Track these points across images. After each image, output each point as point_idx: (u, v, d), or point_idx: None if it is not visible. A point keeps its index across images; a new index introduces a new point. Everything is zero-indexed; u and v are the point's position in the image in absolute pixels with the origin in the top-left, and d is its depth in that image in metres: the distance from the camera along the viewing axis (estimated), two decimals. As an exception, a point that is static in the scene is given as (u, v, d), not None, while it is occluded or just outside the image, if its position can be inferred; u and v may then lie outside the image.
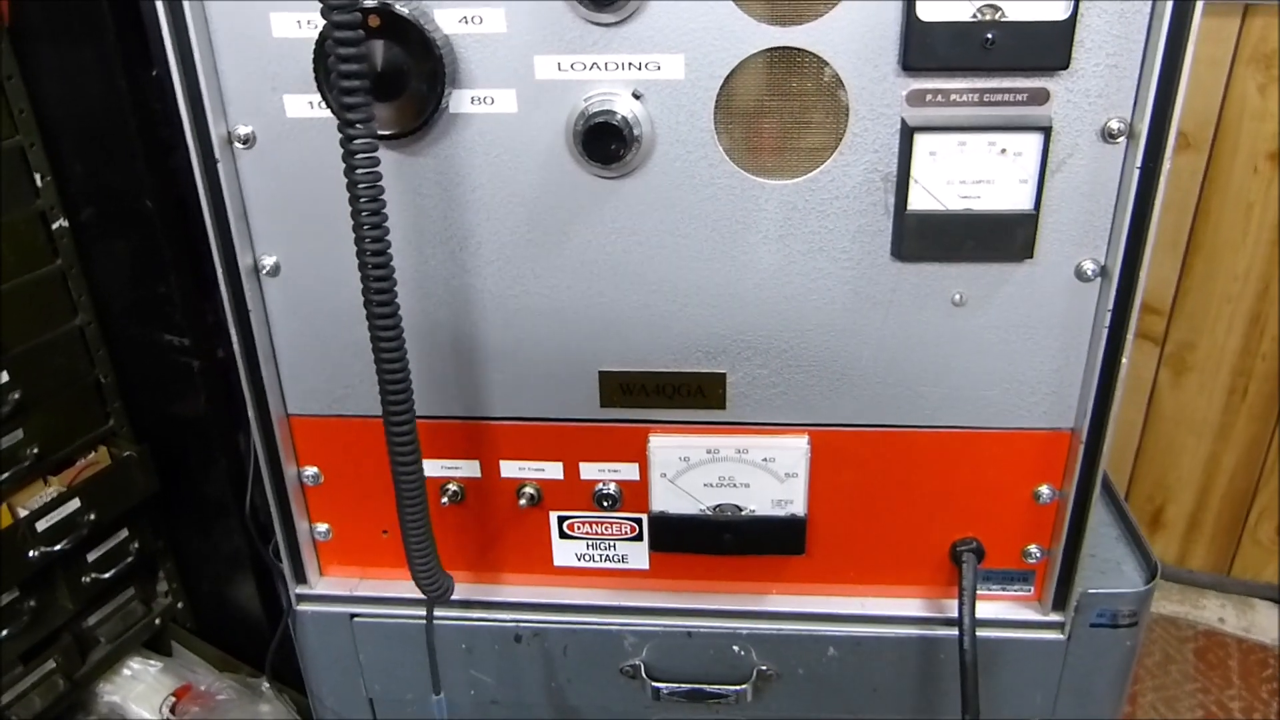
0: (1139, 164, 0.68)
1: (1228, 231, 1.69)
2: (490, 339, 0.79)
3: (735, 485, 0.82)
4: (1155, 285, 1.75)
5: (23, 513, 1.46)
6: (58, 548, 1.48)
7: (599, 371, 0.80)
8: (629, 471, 0.83)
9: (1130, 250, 0.71)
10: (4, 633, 1.46)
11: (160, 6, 0.68)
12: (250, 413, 0.81)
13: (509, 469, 0.84)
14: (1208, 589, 2.00)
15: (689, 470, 0.82)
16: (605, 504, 0.84)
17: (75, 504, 1.51)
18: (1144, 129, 0.67)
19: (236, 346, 0.79)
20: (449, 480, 0.85)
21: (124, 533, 1.64)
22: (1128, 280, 0.72)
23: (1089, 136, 0.69)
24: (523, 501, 0.85)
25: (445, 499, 0.85)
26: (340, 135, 0.63)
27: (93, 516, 1.53)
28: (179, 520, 1.70)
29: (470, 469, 0.85)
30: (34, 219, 1.46)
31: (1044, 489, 0.81)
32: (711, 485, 0.82)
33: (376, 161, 0.64)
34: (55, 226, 1.48)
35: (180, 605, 1.76)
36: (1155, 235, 0.70)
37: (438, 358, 0.80)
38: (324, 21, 0.60)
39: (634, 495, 0.84)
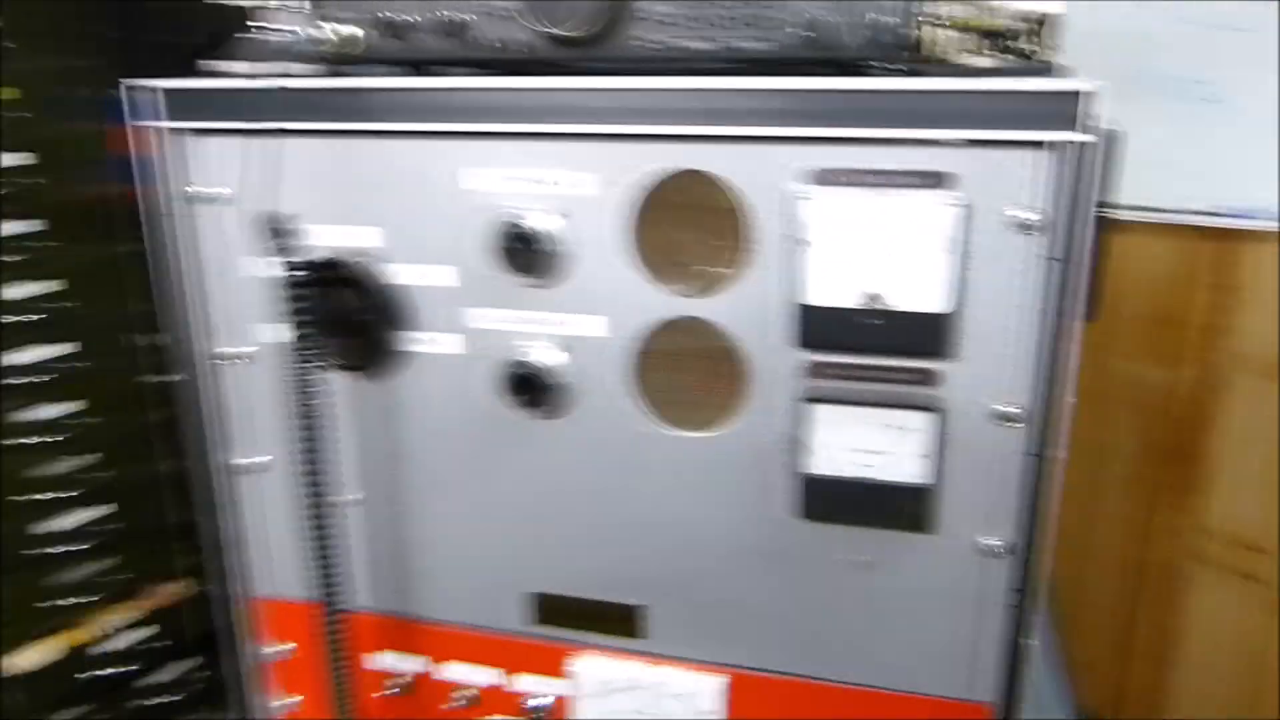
0: (1033, 451, 0.69)
1: (1323, 463, 1.59)
2: (433, 548, 0.86)
3: (657, 717, 0.84)
4: (1256, 521, 1.65)
5: (105, 632, 1.60)
6: (128, 669, 1.61)
7: (529, 593, 0.85)
8: (560, 686, 0.87)
9: (1030, 533, 0.71)
10: (77, 746, 1.57)
11: (160, 258, 0.81)
12: (222, 592, 0.90)
13: (451, 671, 0.89)
14: None
15: (612, 694, 0.84)
16: (537, 715, 0.88)
17: (155, 629, 1.64)
18: (1035, 417, 0.69)
19: (206, 540, 0.89)
20: (397, 675, 0.91)
21: (198, 659, 1.76)
22: (1029, 560, 0.72)
23: (982, 419, 0.71)
24: (461, 703, 0.89)
25: (392, 689, 0.91)
26: (294, 365, 0.73)
27: (163, 643, 1.66)
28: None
29: (416, 664, 0.90)
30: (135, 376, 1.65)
31: (964, 760, 0.79)
32: (635, 714, 0.84)
33: (318, 394, 0.73)
34: (153, 382, 1.66)
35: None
36: (1056, 518, 0.70)
37: (387, 556, 0.87)
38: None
39: (565, 710, 0.87)
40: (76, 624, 1.62)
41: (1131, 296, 1.64)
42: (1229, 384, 1.60)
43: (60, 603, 1.57)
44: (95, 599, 1.60)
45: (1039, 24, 0.79)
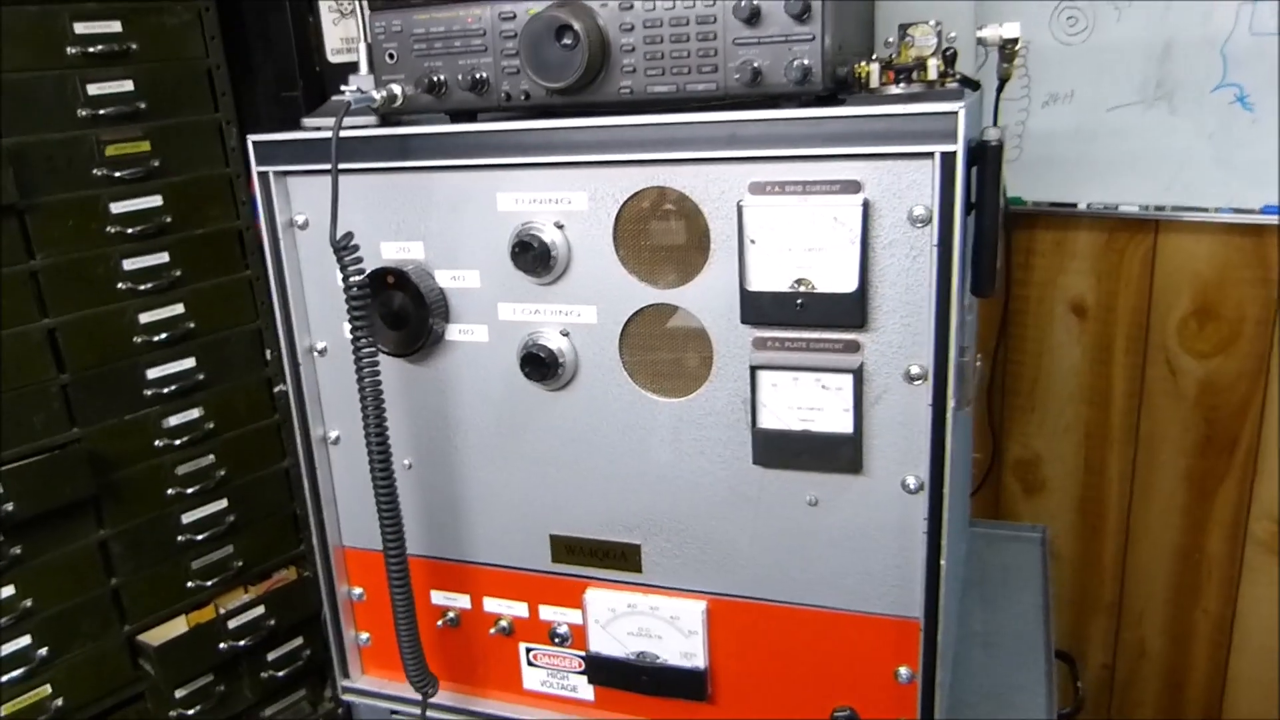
0: (929, 402, 0.86)
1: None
2: (475, 500, 1.06)
3: (651, 636, 1.02)
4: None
5: (222, 611, 1.86)
6: (243, 643, 1.86)
7: (549, 534, 1.04)
8: (575, 616, 1.06)
9: (935, 471, 0.87)
10: (196, 709, 1.83)
11: (269, 270, 1.04)
12: (314, 541, 1.12)
13: (490, 604, 1.09)
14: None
15: (616, 620, 1.03)
16: (557, 641, 1.07)
17: (261, 610, 1.89)
18: (930, 376, 0.85)
19: (308, 496, 1.11)
20: (449, 609, 1.11)
21: (299, 640, 2.01)
22: (936, 495, 0.88)
23: (896, 379, 0.88)
24: (499, 632, 1.09)
25: (443, 623, 1.11)
26: (353, 353, 0.95)
27: (273, 622, 1.91)
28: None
29: (463, 601, 1.10)
30: (262, 383, 1.91)
31: (903, 670, 0.95)
32: (633, 634, 1.02)
33: (378, 371, 0.95)
34: (276, 390, 1.93)
35: (340, 711, 2.08)
36: (952, 457, 0.86)
37: (439, 511, 1.08)
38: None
39: (580, 636, 1.06)
40: (198, 605, 1.88)
41: (1180, 292, 1.76)
42: (1276, 373, 1.71)
43: (189, 585, 1.83)
44: (212, 583, 1.86)
45: (951, 56, 0.96)
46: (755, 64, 0.86)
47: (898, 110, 0.82)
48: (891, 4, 1.18)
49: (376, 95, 0.96)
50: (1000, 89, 1.27)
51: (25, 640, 1.61)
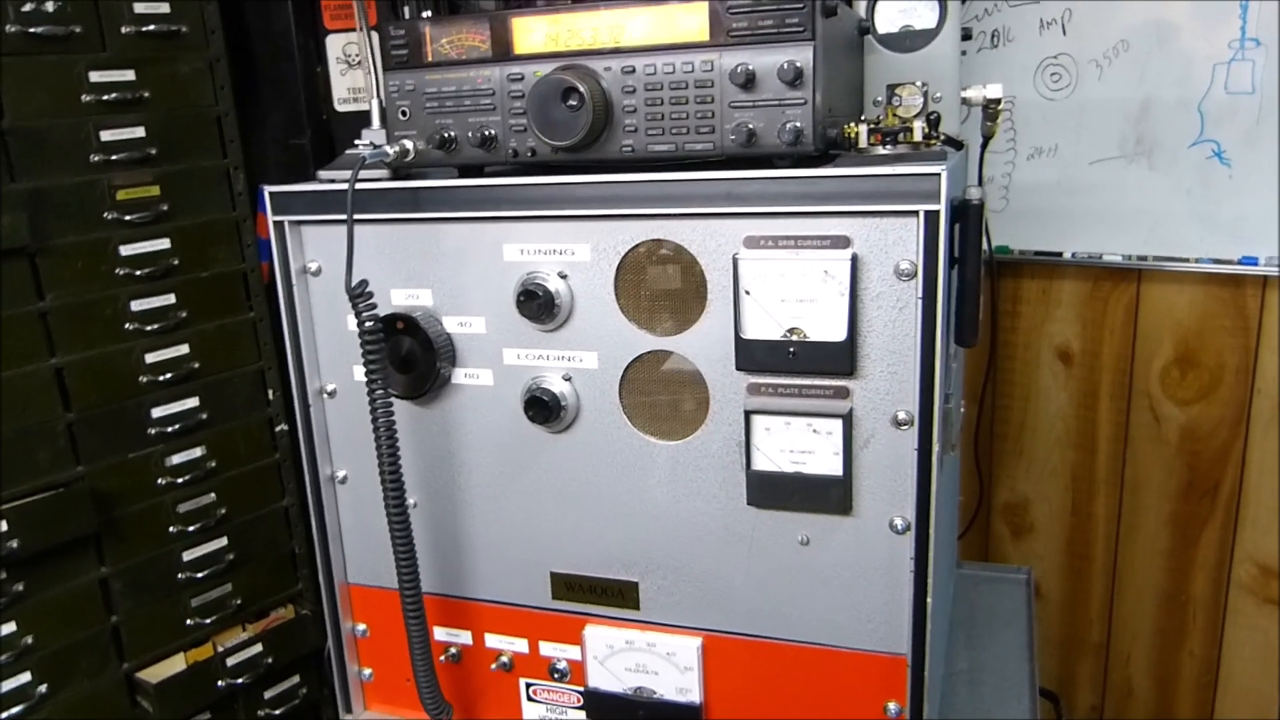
0: (915, 447, 0.90)
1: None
2: (477, 539, 1.09)
3: (648, 672, 1.05)
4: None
5: (220, 649, 1.87)
6: (241, 681, 1.87)
7: (550, 572, 1.07)
8: (574, 652, 1.09)
9: (921, 513, 0.91)
10: (193, 747, 1.83)
11: (283, 315, 1.08)
12: (320, 578, 1.15)
13: (491, 640, 1.12)
14: None
15: (613, 655, 1.06)
16: (556, 676, 1.09)
17: (259, 648, 1.91)
18: (916, 421, 0.89)
19: (315, 533, 1.14)
20: (451, 645, 1.14)
21: (296, 678, 2.02)
22: (923, 536, 0.92)
23: (884, 424, 0.92)
24: (500, 667, 1.12)
25: (445, 658, 1.14)
26: (367, 395, 0.98)
27: (270, 661, 1.92)
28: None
29: (465, 637, 1.13)
30: (263, 423, 1.94)
31: (892, 705, 0.98)
32: (631, 670, 1.06)
33: (392, 412, 0.99)
34: (277, 430, 1.96)
35: (335, 745, 2.09)
36: (937, 499, 0.90)
37: (443, 549, 1.11)
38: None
39: (579, 672, 1.09)
40: (197, 643, 1.90)
41: (1162, 340, 1.81)
42: (1256, 420, 1.76)
43: (188, 622, 1.85)
44: (211, 621, 1.88)
45: (935, 120, 1.02)
46: (750, 126, 0.91)
47: (885, 171, 0.86)
48: (880, 62, 1.23)
49: (390, 150, 1.01)
50: (984, 146, 1.33)
51: (25, 677, 1.62)
